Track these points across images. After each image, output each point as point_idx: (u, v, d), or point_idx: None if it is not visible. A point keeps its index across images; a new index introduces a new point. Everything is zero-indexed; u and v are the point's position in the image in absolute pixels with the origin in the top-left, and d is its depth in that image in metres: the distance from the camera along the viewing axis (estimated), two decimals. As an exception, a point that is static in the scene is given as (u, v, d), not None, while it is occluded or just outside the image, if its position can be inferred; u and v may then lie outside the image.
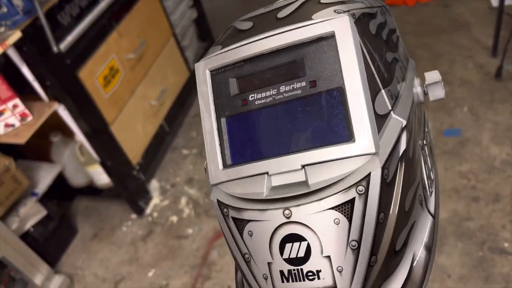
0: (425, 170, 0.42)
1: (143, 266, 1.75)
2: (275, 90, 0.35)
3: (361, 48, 0.34)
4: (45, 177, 1.72)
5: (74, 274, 1.79)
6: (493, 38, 2.07)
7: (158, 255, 1.77)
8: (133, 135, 1.90)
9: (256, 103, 0.36)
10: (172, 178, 2.06)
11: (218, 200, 0.37)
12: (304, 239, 0.33)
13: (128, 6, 1.83)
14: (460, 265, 1.43)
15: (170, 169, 2.10)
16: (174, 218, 1.88)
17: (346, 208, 0.32)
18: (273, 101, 0.35)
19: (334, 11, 0.35)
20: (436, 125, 1.87)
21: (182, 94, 2.25)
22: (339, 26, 0.33)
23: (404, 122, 0.35)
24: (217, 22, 2.64)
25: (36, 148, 1.78)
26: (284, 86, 0.35)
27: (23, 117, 1.45)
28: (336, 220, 0.32)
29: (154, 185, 2.03)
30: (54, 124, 1.66)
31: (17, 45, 1.35)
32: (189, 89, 2.31)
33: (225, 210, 0.36)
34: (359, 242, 0.32)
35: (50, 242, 1.78)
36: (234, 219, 0.36)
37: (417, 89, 0.42)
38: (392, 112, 0.35)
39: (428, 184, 0.42)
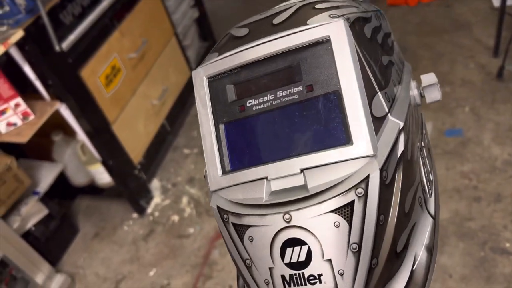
0: (424, 172, 0.42)
1: (144, 265, 1.75)
2: (272, 95, 0.36)
3: (357, 51, 0.34)
4: (46, 176, 1.72)
5: (75, 273, 1.79)
6: (495, 38, 2.07)
7: (159, 255, 1.77)
8: (134, 135, 1.90)
9: (254, 108, 0.36)
10: (173, 177, 2.06)
11: (218, 207, 0.37)
12: (305, 243, 0.33)
13: (130, 5, 1.84)
14: (461, 265, 1.43)
15: (171, 168, 2.10)
16: (176, 218, 1.88)
17: (345, 211, 0.32)
18: (271, 106, 0.36)
19: (329, 15, 0.35)
20: (437, 125, 1.87)
21: (184, 93, 2.25)
22: (334, 30, 0.34)
23: (402, 124, 0.35)
24: (219, 21, 2.65)
25: (38, 147, 1.78)
26: (281, 91, 0.35)
27: (25, 116, 1.45)
28: (336, 223, 0.32)
29: (155, 184, 2.04)
30: (56, 123, 1.66)
31: (19, 44, 1.35)
32: (190, 88, 2.28)
33: (225, 216, 0.36)
34: (359, 244, 0.32)
35: (51, 241, 1.78)
36: (234, 225, 0.36)
37: (414, 92, 0.43)
38: (389, 114, 0.35)
39: (427, 185, 0.42)
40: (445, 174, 1.69)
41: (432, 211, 0.41)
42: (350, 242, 0.32)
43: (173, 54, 2.17)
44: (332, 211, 0.32)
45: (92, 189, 1.97)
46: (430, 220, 0.40)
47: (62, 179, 1.83)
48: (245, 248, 0.36)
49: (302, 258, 0.33)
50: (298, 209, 0.33)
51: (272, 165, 0.35)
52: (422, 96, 0.43)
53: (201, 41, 2.54)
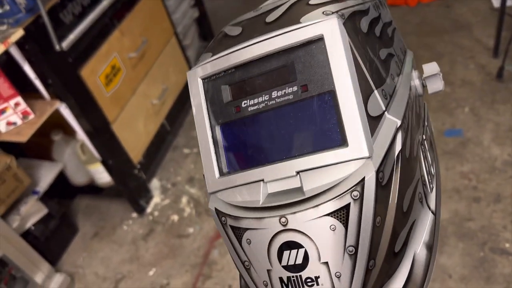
0: (425, 166, 0.41)
1: (144, 265, 1.75)
2: (267, 95, 0.35)
3: (352, 49, 0.33)
4: (46, 176, 1.72)
5: (74, 273, 1.79)
6: (495, 39, 2.07)
7: (159, 254, 1.77)
8: (134, 134, 1.90)
9: (249, 109, 0.36)
10: (173, 177, 2.06)
11: (216, 209, 0.37)
12: (302, 246, 0.33)
13: (130, 5, 1.84)
14: (461, 265, 1.43)
15: (171, 168, 2.10)
16: (175, 217, 1.88)
17: (341, 214, 0.32)
18: (266, 107, 0.35)
19: (323, 12, 0.35)
20: (437, 126, 1.87)
21: (183, 93, 2.25)
22: (327, 28, 0.33)
23: (399, 122, 0.34)
24: (219, 21, 2.64)
25: (38, 147, 1.78)
26: (276, 92, 0.35)
27: (25, 115, 1.45)
28: (332, 227, 0.32)
29: (155, 184, 2.03)
30: (56, 123, 1.66)
31: (20, 43, 1.35)
32: (190, 88, 2.30)
33: (223, 218, 0.37)
34: (356, 247, 0.32)
35: (51, 241, 1.78)
36: (232, 227, 0.36)
37: (415, 82, 0.42)
38: (386, 112, 0.35)
39: (428, 179, 0.41)
40: (445, 174, 1.69)
41: (432, 206, 0.41)
42: (347, 245, 0.32)
43: (173, 53, 2.17)
44: (328, 215, 0.32)
45: (92, 189, 1.97)
46: (431, 216, 0.40)
47: (61, 179, 1.83)
48: (243, 250, 0.36)
49: (299, 261, 0.33)
50: (294, 213, 0.33)
51: (269, 168, 0.34)
52: (424, 86, 0.42)
53: (201, 40, 2.54)
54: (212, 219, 1.73)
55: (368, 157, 0.32)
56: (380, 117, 0.34)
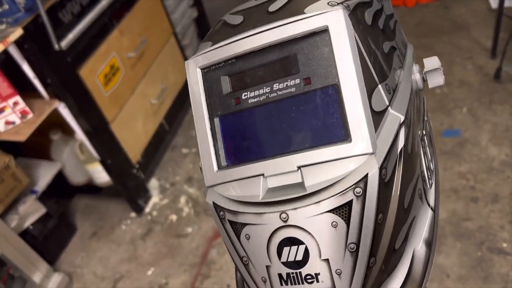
0: (425, 162, 0.41)
1: (143, 264, 1.75)
2: (269, 87, 0.34)
3: (357, 42, 0.32)
4: (44, 175, 1.72)
5: (73, 272, 1.79)
6: (493, 40, 2.07)
7: (157, 254, 1.77)
8: (133, 134, 1.90)
9: (250, 101, 0.35)
10: (171, 177, 2.06)
11: (214, 203, 0.36)
12: (302, 243, 0.32)
13: (129, 4, 1.84)
14: (458, 265, 1.43)
15: (169, 168, 2.10)
16: (174, 217, 1.88)
17: (343, 211, 0.31)
18: (267, 99, 0.34)
19: (328, 3, 0.33)
20: (435, 126, 1.88)
21: (182, 93, 2.25)
22: (332, 20, 0.32)
23: (402, 118, 0.34)
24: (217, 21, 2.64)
25: (36, 146, 1.78)
26: (277, 84, 0.34)
27: (23, 114, 1.45)
28: (334, 223, 0.31)
29: (153, 183, 2.03)
30: (54, 122, 1.66)
31: (18, 43, 1.35)
32: (189, 88, 2.30)
33: (221, 213, 0.36)
34: (357, 244, 0.32)
35: (49, 240, 1.78)
36: (230, 222, 0.35)
37: (416, 76, 0.41)
38: (389, 107, 0.34)
39: (428, 175, 0.41)
40: (443, 174, 1.69)
41: (432, 202, 0.40)
42: (348, 242, 0.32)
43: (172, 53, 2.17)
44: (329, 211, 0.31)
45: (90, 188, 1.97)
46: (430, 212, 0.40)
47: (60, 178, 1.83)
48: (242, 246, 0.35)
49: (299, 257, 0.33)
50: (295, 209, 0.32)
51: (269, 162, 0.34)
52: (424, 81, 0.41)
53: (200, 40, 2.54)
54: (211, 219, 1.72)
55: (372, 153, 0.31)
56: (383, 112, 0.33)
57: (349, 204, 0.31)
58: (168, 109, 2.14)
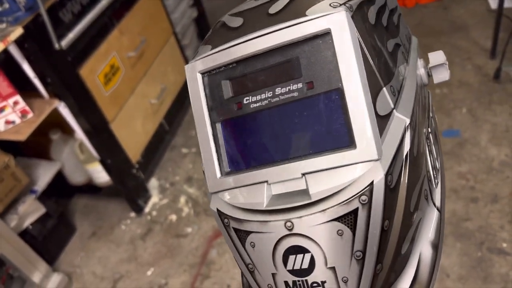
0: (431, 161, 0.40)
1: (142, 264, 1.74)
2: (271, 92, 0.34)
3: (360, 44, 0.31)
4: (44, 175, 1.71)
5: (72, 273, 1.79)
6: (492, 40, 2.08)
7: (157, 254, 1.76)
8: (133, 134, 1.90)
9: (252, 106, 0.34)
10: (171, 176, 2.05)
11: (218, 210, 0.36)
12: (308, 251, 0.32)
13: (129, 4, 1.83)
14: (459, 265, 1.43)
15: (169, 167, 2.10)
16: (173, 217, 1.88)
17: (349, 219, 0.31)
18: (269, 104, 0.34)
19: (330, 4, 0.32)
20: (435, 126, 1.88)
21: (182, 92, 2.25)
22: (335, 22, 0.31)
23: (408, 121, 0.33)
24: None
25: (36, 146, 1.77)
26: (280, 88, 0.33)
27: (23, 114, 1.45)
28: (340, 232, 0.31)
29: (153, 183, 2.03)
30: (54, 122, 1.66)
31: (19, 42, 1.35)
32: (189, 88, 2.30)
33: (225, 220, 0.35)
34: (363, 252, 0.31)
35: (48, 240, 1.77)
36: (235, 229, 0.35)
37: (421, 71, 0.40)
38: (394, 110, 0.33)
39: (433, 174, 0.40)
40: (443, 174, 1.69)
41: (437, 203, 0.40)
42: (354, 250, 0.31)
43: (172, 53, 2.17)
44: (335, 219, 0.31)
45: (90, 188, 1.97)
46: (436, 213, 0.39)
47: (59, 178, 1.83)
48: (247, 253, 0.35)
49: (305, 265, 0.32)
50: (300, 217, 0.31)
51: (273, 169, 0.33)
52: (429, 76, 0.40)
53: (199, 40, 2.54)
54: (211, 219, 1.71)
55: (377, 160, 0.30)
56: (388, 115, 0.32)
57: (354, 212, 0.31)
58: (168, 109, 2.14)
